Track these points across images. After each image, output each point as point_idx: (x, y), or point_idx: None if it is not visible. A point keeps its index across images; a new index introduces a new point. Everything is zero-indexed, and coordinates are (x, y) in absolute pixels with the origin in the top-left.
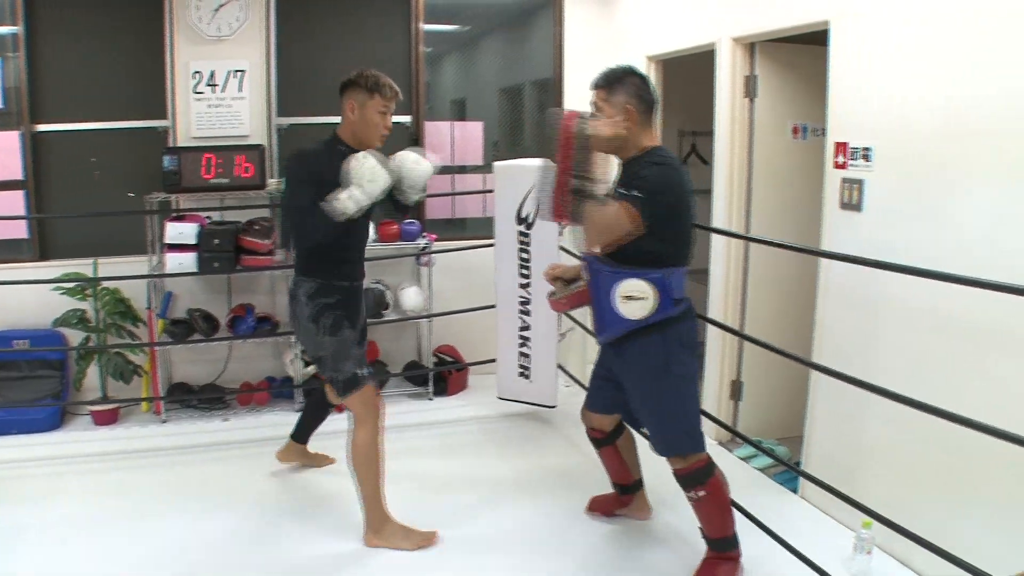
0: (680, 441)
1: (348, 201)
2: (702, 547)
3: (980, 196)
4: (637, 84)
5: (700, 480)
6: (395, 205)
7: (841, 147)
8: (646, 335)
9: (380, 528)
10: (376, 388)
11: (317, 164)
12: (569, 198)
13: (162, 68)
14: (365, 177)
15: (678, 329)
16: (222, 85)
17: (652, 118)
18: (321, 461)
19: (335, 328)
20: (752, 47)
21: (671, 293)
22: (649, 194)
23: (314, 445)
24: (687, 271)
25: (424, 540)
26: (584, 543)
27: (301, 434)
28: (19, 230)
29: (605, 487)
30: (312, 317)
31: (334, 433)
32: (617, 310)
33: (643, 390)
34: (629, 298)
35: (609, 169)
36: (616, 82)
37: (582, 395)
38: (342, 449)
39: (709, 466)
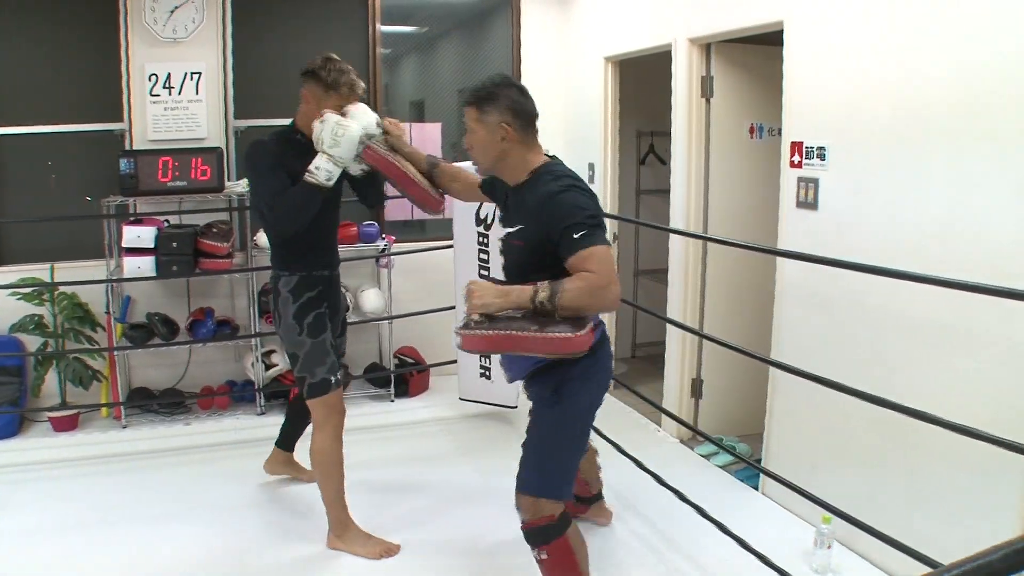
0: (535, 478)
1: (317, 172)
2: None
3: (933, 194)
4: (511, 98)
5: (544, 538)
6: (358, 185)
7: (797, 146)
8: (553, 368)
9: (342, 532)
10: (341, 393)
11: (275, 153)
12: (544, 329)
13: (118, 70)
14: (326, 142)
15: (587, 363)
16: (178, 87)
17: (533, 132)
18: (311, 476)
19: (316, 329)
20: (708, 48)
21: None
22: (586, 224)
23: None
24: None
25: (384, 549)
26: None
27: (286, 441)
28: None
29: None
30: (296, 315)
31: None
32: None
33: (532, 414)
34: None
35: (511, 295)
36: (487, 99)
37: None
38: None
39: (559, 525)
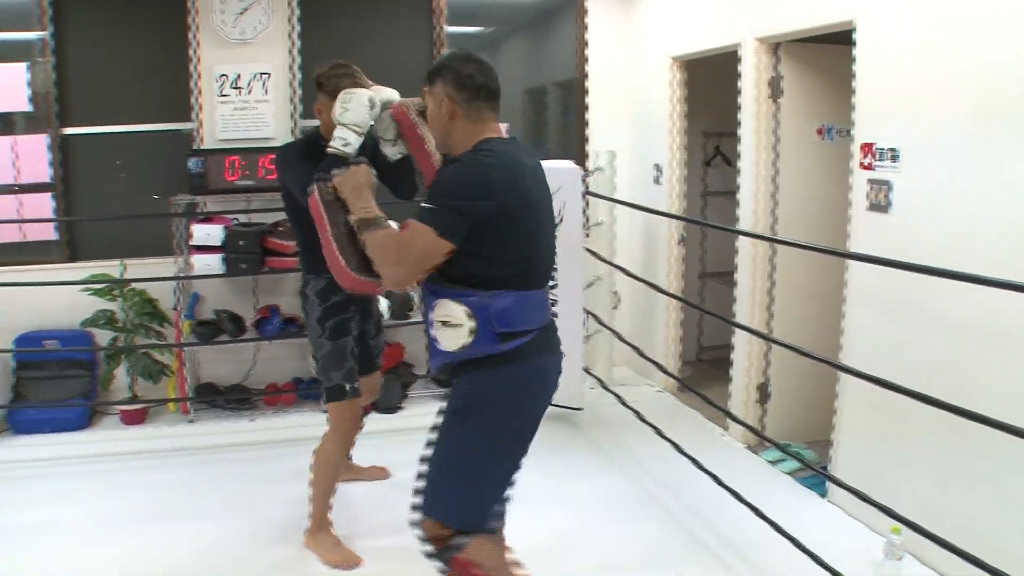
0: (432, 499)
1: (335, 142)
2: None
3: (1011, 196)
4: (457, 70)
5: (443, 557)
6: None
7: (867, 148)
8: (467, 372)
9: (316, 532)
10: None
11: (302, 150)
12: (342, 248)
13: (187, 71)
14: (336, 111)
15: (502, 374)
16: (246, 88)
17: (486, 109)
18: (372, 474)
19: (337, 333)
20: (777, 47)
21: (493, 324)
22: (437, 202)
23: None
24: (534, 296)
25: (347, 561)
26: (612, 543)
27: None
28: (48, 232)
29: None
30: (319, 317)
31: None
32: (433, 336)
33: (439, 425)
34: (443, 324)
35: (359, 199)
36: (436, 72)
37: (609, 398)
38: (377, 452)
39: (455, 546)
